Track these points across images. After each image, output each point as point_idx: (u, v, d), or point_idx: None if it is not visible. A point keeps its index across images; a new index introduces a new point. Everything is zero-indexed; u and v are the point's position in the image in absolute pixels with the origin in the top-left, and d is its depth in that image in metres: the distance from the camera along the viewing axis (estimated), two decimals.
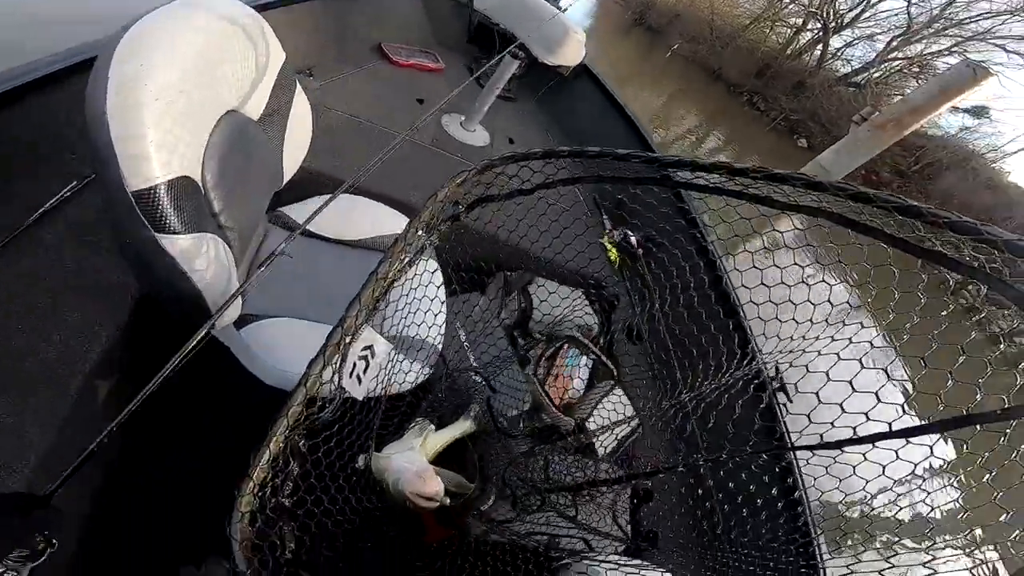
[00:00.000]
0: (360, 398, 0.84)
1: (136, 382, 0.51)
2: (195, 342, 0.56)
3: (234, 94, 0.84)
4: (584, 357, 1.52)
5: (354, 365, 0.88)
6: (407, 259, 0.70)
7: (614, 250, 1.82)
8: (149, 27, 0.64)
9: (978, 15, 14.62)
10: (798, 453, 0.91)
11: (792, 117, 14.86)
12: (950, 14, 15.04)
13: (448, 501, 0.95)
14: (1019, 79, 13.76)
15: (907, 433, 0.63)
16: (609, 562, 0.88)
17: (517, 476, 1.15)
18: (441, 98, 2.35)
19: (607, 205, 2.03)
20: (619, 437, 1.41)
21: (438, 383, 1.27)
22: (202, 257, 0.70)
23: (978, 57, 13.81)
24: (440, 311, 1.19)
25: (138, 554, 0.98)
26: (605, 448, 1.39)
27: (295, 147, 1.10)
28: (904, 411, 0.64)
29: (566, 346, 1.48)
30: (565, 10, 3.39)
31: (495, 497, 1.12)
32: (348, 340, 0.58)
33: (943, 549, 0.61)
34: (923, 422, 0.62)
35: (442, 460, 1.06)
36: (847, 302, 0.70)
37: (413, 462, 0.95)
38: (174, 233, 0.64)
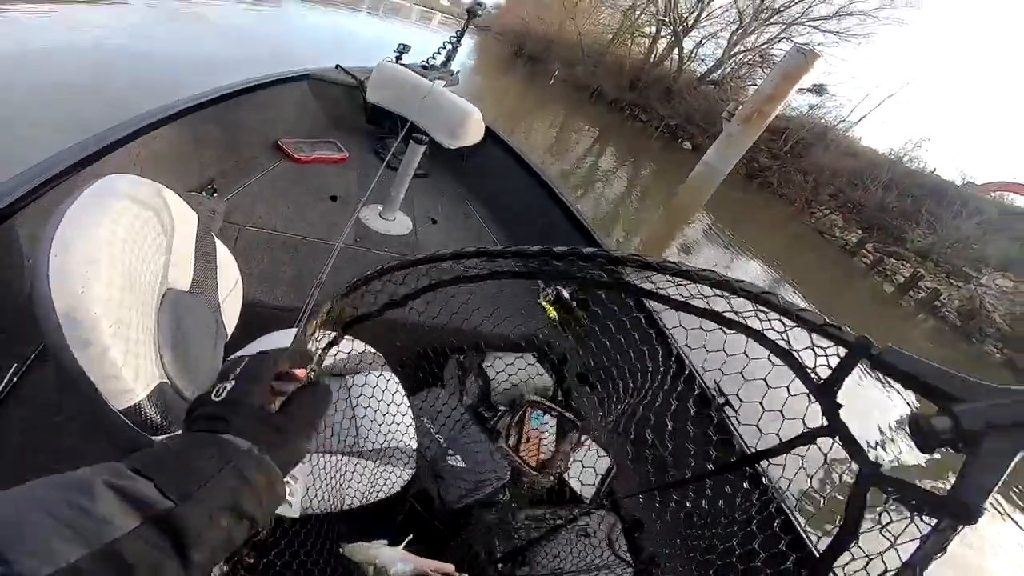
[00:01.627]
0: (296, 515, 0.91)
1: None
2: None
3: (161, 276, 0.83)
4: (547, 414, 1.62)
5: None
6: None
7: (551, 308, 1.95)
8: (74, 252, 0.61)
9: (789, 0, 16.98)
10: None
11: (671, 123, 16.26)
12: (767, 3, 17.33)
13: None
14: (838, 55, 16.54)
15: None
16: None
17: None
18: (352, 190, 2.40)
19: (534, 267, 2.14)
20: (598, 476, 1.53)
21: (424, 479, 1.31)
22: None
23: (802, 40, 16.15)
24: (407, 415, 1.24)
25: None
26: (592, 488, 1.50)
27: (230, 298, 1.10)
28: None
29: (529, 410, 1.58)
30: (456, 72, 3.53)
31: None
32: None
33: None
34: None
35: None
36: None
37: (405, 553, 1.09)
38: (167, 433, 0.68)
